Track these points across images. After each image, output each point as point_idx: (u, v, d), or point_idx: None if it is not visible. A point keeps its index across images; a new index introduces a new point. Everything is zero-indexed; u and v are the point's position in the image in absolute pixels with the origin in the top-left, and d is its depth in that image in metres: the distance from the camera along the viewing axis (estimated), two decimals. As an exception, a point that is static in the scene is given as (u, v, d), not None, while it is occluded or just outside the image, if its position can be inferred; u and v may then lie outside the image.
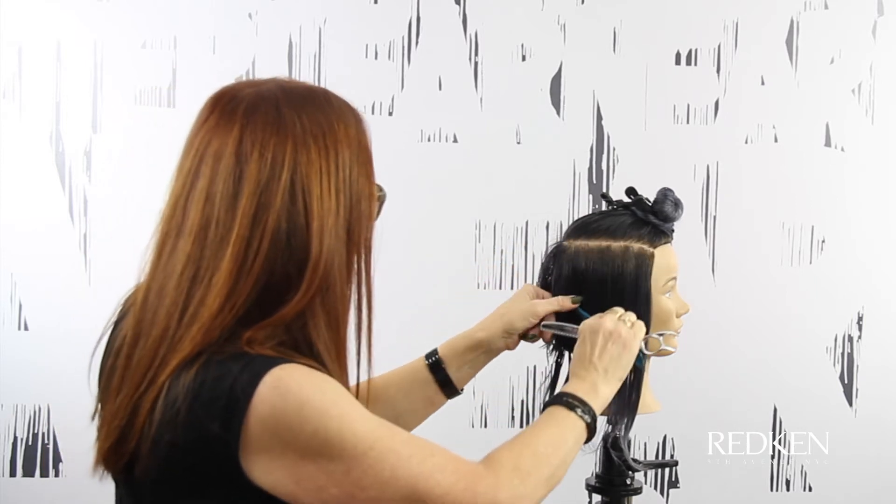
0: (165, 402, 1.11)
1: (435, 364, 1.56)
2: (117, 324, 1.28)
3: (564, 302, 1.55)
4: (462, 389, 1.59)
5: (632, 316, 1.50)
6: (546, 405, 1.38)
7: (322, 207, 1.16)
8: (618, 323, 1.46)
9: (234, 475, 1.11)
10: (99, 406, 1.24)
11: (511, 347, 1.58)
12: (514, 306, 1.57)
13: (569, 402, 1.35)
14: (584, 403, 1.36)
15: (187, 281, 1.14)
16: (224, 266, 1.13)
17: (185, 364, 1.12)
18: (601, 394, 1.40)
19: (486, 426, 2.67)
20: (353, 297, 1.22)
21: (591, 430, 1.36)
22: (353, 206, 1.19)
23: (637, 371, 1.58)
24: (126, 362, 1.17)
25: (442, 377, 1.56)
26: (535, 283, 1.65)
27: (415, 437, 1.18)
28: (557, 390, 1.42)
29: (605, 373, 1.42)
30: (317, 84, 1.29)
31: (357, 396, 1.20)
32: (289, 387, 1.09)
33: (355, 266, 1.21)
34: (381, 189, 1.27)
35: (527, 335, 1.58)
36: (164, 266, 1.16)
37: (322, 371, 1.15)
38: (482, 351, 1.57)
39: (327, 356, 1.17)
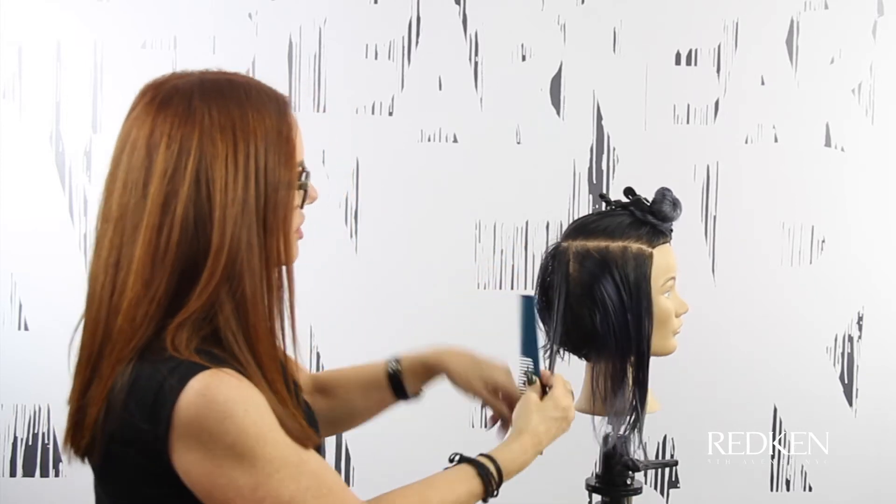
0: (109, 396, 1.18)
1: (394, 376, 1.58)
2: None
3: (500, 407, 1.54)
4: (419, 394, 1.61)
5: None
6: (471, 462, 1.36)
7: (226, 197, 1.18)
8: (569, 405, 1.46)
9: (166, 471, 1.17)
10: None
11: (467, 391, 1.57)
12: (472, 365, 1.55)
13: (491, 484, 1.36)
14: (499, 485, 1.37)
15: (112, 267, 1.20)
16: (138, 253, 1.18)
17: (126, 360, 1.18)
18: (522, 465, 1.42)
19: (485, 426, 2.67)
20: (274, 283, 1.24)
21: (487, 494, 1.37)
22: (268, 195, 1.21)
23: (640, 371, 1.58)
24: (80, 346, 1.24)
25: (398, 387, 1.58)
26: (535, 283, 1.65)
27: (322, 470, 1.22)
28: (498, 451, 1.40)
29: (536, 452, 1.44)
30: (258, 80, 1.29)
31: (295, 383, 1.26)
32: (215, 396, 1.14)
33: (274, 255, 1.23)
34: (306, 177, 1.27)
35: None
36: (98, 251, 1.23)
37: (245, 377, 1.18)
38: (432, 374, 1.59)
39: (236, 346, 1.20)
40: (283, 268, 1.25)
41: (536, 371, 1.48)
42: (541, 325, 1.57)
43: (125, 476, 1.21)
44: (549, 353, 1.62)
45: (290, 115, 1.27)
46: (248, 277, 1.20)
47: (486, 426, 1.59)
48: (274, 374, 1.22)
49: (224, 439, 1.15)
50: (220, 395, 1.15)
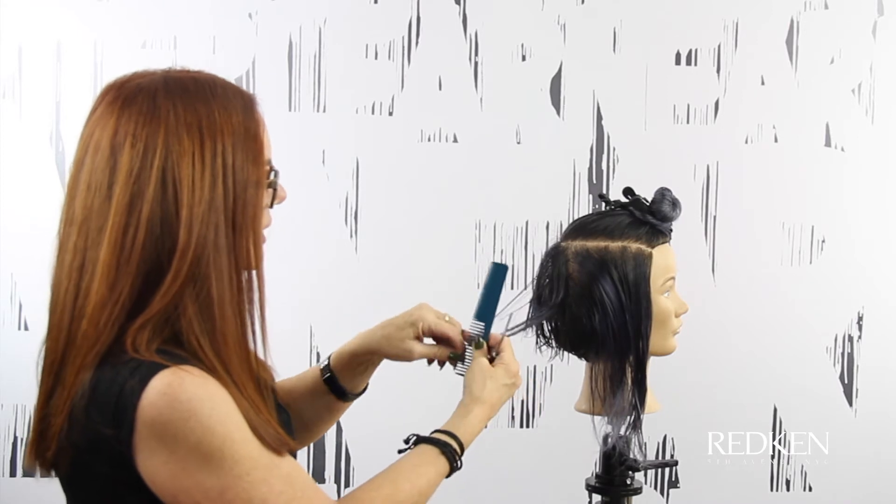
0: (72, 404, 1.14)
1: (329, 379, 1.54)
2: None
3: (442, 353, 1.51)
4: (362, 391, 1.58)
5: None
6: (430, 441, 1.36)
7: (193, 196, 1.15)
8: (517, 370, 1.47)
9: (132, 477, 1.13)
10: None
11: (407, 359, 1.52)
12: (395, 332, 1.52)
13: (453, 457, 1.36)
14: (461, 453, 1.37)
15: (76, 271, 1.17)
16: (103, 256, 1.15)
17: (90, 366, 1.14)
18: (478, 433, 1.42)
19: (485, 426, 2.67)
20: (244, 283, 1.21)
21: (452, 470, 1.37)
22: (236, 194, 1.18)
23: (639, 371, 1.58)
24: (45, 353, 1.21)
25: (337, 389, 1.54)
26: (532, 283, 1.65)
27: (294, 473, 1.19)
28: (454, 424, 1.40)
29: (489, 419, 1.44)
30: (222, 77, 1.28)
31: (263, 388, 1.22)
32: (178, 395, 1.11)
33: (243, 256, 1.20)
34: (275, 175, 1.25)
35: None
36: (61, 255, 1.19)
37: (210, 375, 1.15)
38: (365, 362, 1.55)
39: (200, 351, 1.16)
40: (254, 270, 1.22)
41: (486, 335, 1.49)
42: (501, 295, 1.55)
43: (93, 486, 1.17)
44: (522, 328, 1.61)
45: (258, 113, 1.24)
46: (215, 279, 1.17)
47: (439, 367, 1.55)
48: (244, 378, 1.19)
49: (189, 439, 1.11)
50: (184, 393, 1.11)
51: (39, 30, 2.62)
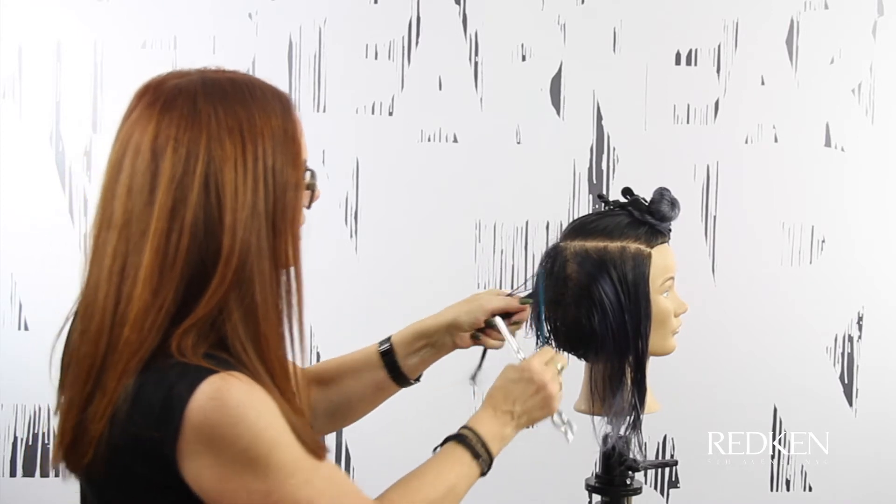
0: (115, 409, 1.13)
1: (386, 350, 1.57)
2: (76, 315, 1.29)
3: (513, 301, 1.55)
4: (414, 380, 1.59)
5: (562, 359, 1.48)
6: (451, 439, 1.39)
7: (236, 200, 1.15)
8: (551, 375, 1.45)
9: (174, 480, 1.14)
10: (57, 398, 1.26)
11: (462, 346, 1.57)
12: (465, 303, 1.57)
13: (474, 447, 1.37)
14: (487, 451, 1.38)
15: (116, 276, 1.16)
16: (146, 261, 1.14)
17: (133, 371, 1.13)
18: (505, 439, 1.43)
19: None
20: (283, 287, 1.21)
21: (482, 474, 1.39)
22: (276, 197, 1.18)
23: (638, 371, 1.58)
24: (75, 356, 1.19)
25: (390, 362, 1.56)
26: (532, 279, 1.65)
27: (335, 474, 1.21)
28: (469, 421, 1.42)
29: (517, 419, 1.44)
30: (260, 78, 1.28)
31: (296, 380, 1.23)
32: (227, 400, 1.11)
33: (283, 258, 1.20)
34: (312, 176, 1.25)
35: (478, 335, 1.57)
36: (98, 259, 1.18)
37: (255, 381, 1.15)
38: (427, 343, 1.57)
39: (245, 355, 1.16)
40: (293, 271, 1.22)
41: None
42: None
43: (130, 488, 1.17)
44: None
45: (294, 114, 1.24)
46: (259, 283, 1.17)
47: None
48: (285, 382, 1.19)
49: (237, 444, 1.12)
50: (232, 398, 1.11)
51: (39, 30, 2.62)
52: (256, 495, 1.14)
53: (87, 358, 1.17)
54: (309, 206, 1.26)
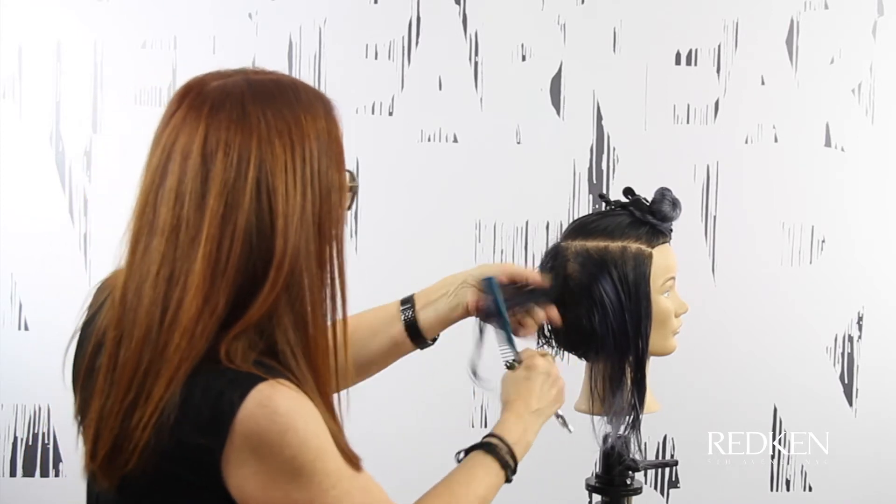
0: (161, 415, 1.11)
1: (405, 299, 1.57)
2: (94, 316, 1.28)
3: (536, 276, 1.54)
4: (430, 340, 1.57)
5: (548, 351, 1.51)
6: (478, 447, 1.38)
7: (287, 205, 1.14)
8: (556, 367, 1.48)
9: (217, 487, 1.12)
10: (80, 404, 1.24)
11: (470, 307, 1.54)
12: (494, 265, 1.59)
13: (503, 458, 1.37)
14: (514, 459, 1.39)
15: (164, 282, 1.13)
16: (197, 268, 1.12)
17: (182, 378, 1.11)
18: (529, 444, 1.43)
19: (486, 426, 2.67)
20: (328, 291, 1.20)
21: (507, 481, 1.39)
22: (322, 200, 1.17)
23: (638, 371, 1.58)
24: (110, 363, 1.16)
25: (408, 314, 1.55)
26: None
27: (370, 484, 1.20)
28: (496, 429, 1.42)
29: (538, 419, 1.45)
30: (301, 79, 1.28)
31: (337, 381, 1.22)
32: (277, 408, 1.10)
33: (328, 262, 1.19)
34: (353, 178, 1.24)
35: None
36: (140, 264, 1.15)
37: (301, 389, 1.14)
38: (444, 294, 1.56)
39: (293, 361, 1.15)
40: (337, 275, 1.20)
41: (517, 357, 1.50)
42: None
43: (171, 496, 1.15)
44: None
45: (336, 116, 1.23)
46: (308, 288, 1.15)
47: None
48: (329, 388, 1.19)
49: (284, 452, 1.11)
50: (282, 406, 1.10)
51: (39, 30, 2.62)
52: (299, 503, 1.13)
53: (128, 365, 1.14)
54: (350, 208, 1.25)
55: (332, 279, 1.20)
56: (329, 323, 1.19)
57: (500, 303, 1.50)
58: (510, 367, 1.49)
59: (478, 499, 1.33)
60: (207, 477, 1.12)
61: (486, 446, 1.38)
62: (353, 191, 1.24)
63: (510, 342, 1.50)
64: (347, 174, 1.23)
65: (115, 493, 1.18)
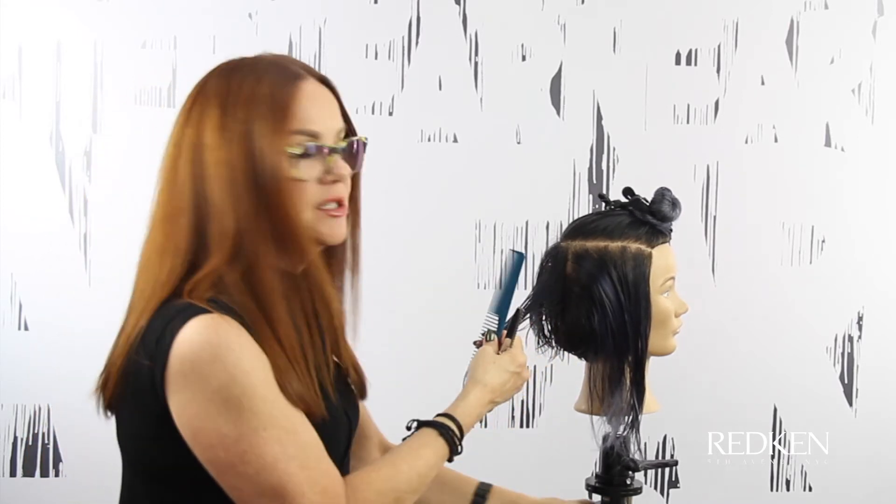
0: (129, 345, 1.23)
1: (482, 489, 1.61)
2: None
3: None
4: None
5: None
6: (431, 425, 1.39)
7: (214, 156, 1.24)
8: (524, 362, 1.50)
9: (167, 413, 1.19)
10: None
11: None
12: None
13: (453, 441, 1.38)
14: (461, 436, 1.40)
15: (145, 242, 1.30)
16: (156, 220, 1.28)
17: (149, 311, 1.23)
18: (478, 416, 1.45)
19: (486, 426, 2.67)
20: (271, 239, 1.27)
21: (452, 452, 1.40)
22: (255, 157, 1.24)
23: (637, 371, 1.58)
24: None
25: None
26: (532, 283, 1.64)
27: (312, 444, 1.22)
28: (457, 411, 1.42)
29: (492, 405, 1.47)
30: (292, 56, 1.35)
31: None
32: (210, 338, 1.17)
33: (265, 210, 1.24)
34: (310, 146, 1.27)
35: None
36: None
37: (251, 330, 1.20)
38: None
39: (243, 300, 1.22)
40: (284, 227, 1.26)
41: (499, 330, 1.51)
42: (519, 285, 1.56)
43: (139, 421, 1.23)
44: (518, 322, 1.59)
45: (296, 85, 1.27)
46: (250, 236, 1.23)
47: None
48: (283, 333, 1.23)
49: (211, 381, 1.16)
50: (216, 337, 1.17)
51: (39, 30, 2.62)
52: (227, 439, 1.17)
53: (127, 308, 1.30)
54: (324, 181, 1.28)
55: (277, 229, 1.24)
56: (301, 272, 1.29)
57: (514, 279, 1.51)
58: (486, 337, 1.50)
59: (419, 476, 1.33)
60: (156, 402, 1.19)
61: (440, 427, 1.38)
62: (305, 156, 1.26)
63: (501, 317, 1.50)
64: (313, 146, 1.26)
65: (113, 419, 1.30)
